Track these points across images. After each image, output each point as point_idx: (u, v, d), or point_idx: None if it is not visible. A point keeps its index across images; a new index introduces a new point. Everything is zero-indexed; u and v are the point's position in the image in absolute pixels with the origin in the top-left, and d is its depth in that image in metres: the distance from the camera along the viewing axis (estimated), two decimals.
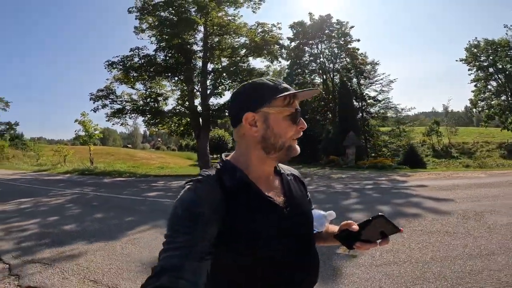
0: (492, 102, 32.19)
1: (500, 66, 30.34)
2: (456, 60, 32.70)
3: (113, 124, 16.61)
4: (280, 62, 17.03)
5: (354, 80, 26.58)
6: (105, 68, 14.40)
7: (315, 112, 25.33)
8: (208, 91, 16.26)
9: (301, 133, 0.75)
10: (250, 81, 0.76)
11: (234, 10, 16.68)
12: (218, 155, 33.25)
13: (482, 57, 30.60)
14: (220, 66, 16.60)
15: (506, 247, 3.37)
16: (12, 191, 9.37)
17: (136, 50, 14.72)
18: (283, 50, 16.73)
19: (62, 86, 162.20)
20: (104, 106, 14.96)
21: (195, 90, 16.33)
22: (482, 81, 31.93)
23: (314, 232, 0.85)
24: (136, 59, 14.73)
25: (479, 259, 3.05)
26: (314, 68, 26.10)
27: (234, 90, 0.81)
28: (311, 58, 25.58)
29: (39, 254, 3.75)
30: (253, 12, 16.66)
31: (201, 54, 16.18)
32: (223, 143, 28.44)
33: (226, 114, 17.11)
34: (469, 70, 32.13)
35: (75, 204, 7.28)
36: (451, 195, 6.54)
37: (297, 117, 0.74)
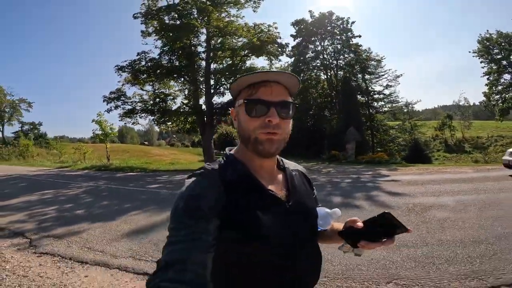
0: (507, 96, 31.07)
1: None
2: (469, 52, 31.83)
3: (125, 123, 17.94)
4: (280, 60, 17.63)
5: (360, 75, 26.66)
6: (115, 72, 15.64)
7: (320, 108, 25.71)
8: (212, 90, 17.19)
9: (271, 126, 0.69)
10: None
11: (237, 11, 17.45)
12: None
13: (495, 50, 29.62)
14: (222, 66, 17.46)
15: (421, 240, 3.61)
16: (36, 185, 10.72)
17: (142, 54, 15.85)
18: (284, 49, 17.28)
19: (85, 87, 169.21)
20: (116, 107, 16.26)
21: (199, 90, 17.32)
22: (495, 74, 30.92)
23: (319, 230, 0.84)
24: (143, 63, 15.85)
25: (387, 251, 3.23)
26: (317, 64, 26.43)
27: None
28: (314, 54, 25.89)
29: (53, 231, 4.77)
30: (254, 11, 17.36)
31: (204, 55, 17.09)
32: (231, 139, 29.42)
33: (229, 111, 18.05)
34: (481, 63, 31.23)
35: (88, 195, 8.42)
36: (412, 190, 6.90)
37: (251, 108, 0.70)
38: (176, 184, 10.06)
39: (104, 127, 21.06)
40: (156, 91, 17.45)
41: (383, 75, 26.79)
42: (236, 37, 16.12)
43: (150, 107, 17.10)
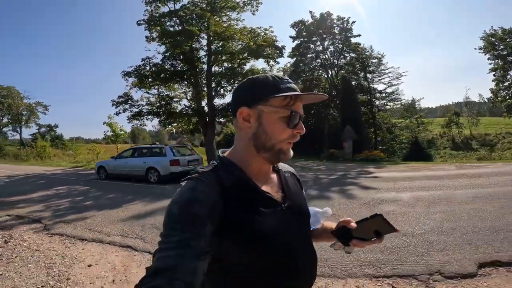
0: (510, 91, 30.53)
1: None
2: (475, 48, 31.44)
3: (132, 125, 19.08)
4: (278, 63, 18.26)
5: (362, 74, 26.92)
6: (122, 77, 16.77)
7: (321, 107, 26.16)
8: (213, 93, 18.08)
9: (298, 138, 0.73)
10: (254, 76, 0.75)
11: (237, 14, 18.22)
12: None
13: (500, 46, 29.15)
14: (222, 69, 18.32)
15: None
16: (52, 182, 11.90)
17: (147, 60, 16.91)
18: (281, 51, 17.92)
19: (100, 89, 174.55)
20: (124, 110, 17.41)
21: (201, 92, 18.25)
22: (501, 70, 30.43)
23: (311, 228, 0.86)
24: (147, 68, 16.90)
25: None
26: (318, 64, 26.87)
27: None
28: (315, 55, 26.34)
29: (63, 218, 5.72)
30: (253, 14, 18.09)
31: (206, 59, 17.99)
32: None
33: (230, 112, 18.93)
34: (488, 59, 30.82)
35: (96, 189, 9.46)
36: (382, 185, 7.40)
37: (293, 120, 0.71)
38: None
39: (115, 129, 22.37)
40: (161, 94, 18.50)
41: (385, 73, 26.96)
42: (235, 41, 16.89)
43: (156, 109, 18.17)
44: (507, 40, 28.41)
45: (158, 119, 18.45)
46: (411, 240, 3.63)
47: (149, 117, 18.19)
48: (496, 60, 29.92)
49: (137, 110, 17.58)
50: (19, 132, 41.99)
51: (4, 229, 4.92)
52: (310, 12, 24.86)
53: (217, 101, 18.64)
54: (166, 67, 17.16)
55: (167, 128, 19.96)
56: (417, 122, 34.17)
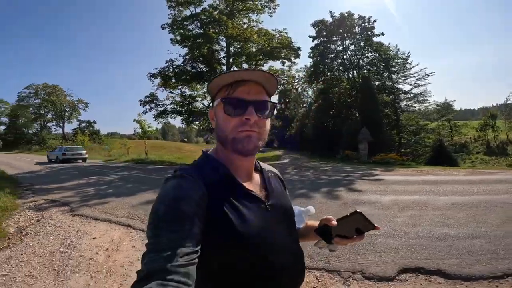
0: None
1: None
2: None
3: (158, 123, 20.66)
4: (295, 63, 18.58)
5: (385, 74, 26.22)
6: (148, 79, 18.30)
7: (341, 107, 25.91)
8: None
9: (250, 125, 0.69)
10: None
11: (256, 15, 18.88)
12: None
13: None
14: None
15: None
16: (86, 173, 13.55)
17: (170, 62, 18.28)
18: (297, 52, 18.25)
19: (136, 87, 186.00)
20: (150, 109, 18.96)
21: None
22: None
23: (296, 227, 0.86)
24: (171, 69, 18.23)
25: None
26: (338, 63, 26.59)
27: None
28: (335, 55, 26.12)
29: (87, 202, 6.84)
30: (270, 16, 18.69)
31: (225, 60, 18.92)
32: None
33: None
34: None
35: (120, 180, 10.73)
36: (373, 188, 7.40)
37: (228, 108, 0.70)
38: None
39: (143, 126, 24.24)
40: (184, 94, 19.81)
41: (410, 73, 26.00)
42: (252, 43, 17.58)
43: (179, 108, 19.52)
44: None
45: (181, 117, 19.80)
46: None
47: (172, 115, 19.60)
48: None
49: (161, 109, 19.07)
50: (62, 127, 46.64)
51: (39, 210, 6.09)
52: (330, 12, 24.76)
53: None
54: (188, 68, 18.38)
55: (189, 126, 21.18)
56: (449, 124, 32.40)
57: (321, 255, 3.29)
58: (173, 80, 18.18)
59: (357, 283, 2.79)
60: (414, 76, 26.24)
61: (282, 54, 17.58)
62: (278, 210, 0.78)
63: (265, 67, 18.86)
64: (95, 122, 47.82)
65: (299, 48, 17.57)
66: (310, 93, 33.96)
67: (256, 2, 18.06)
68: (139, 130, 24.96)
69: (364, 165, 14.83)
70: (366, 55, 25.62)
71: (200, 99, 20.71)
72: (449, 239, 3.69)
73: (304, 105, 36.66)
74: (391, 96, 25.84)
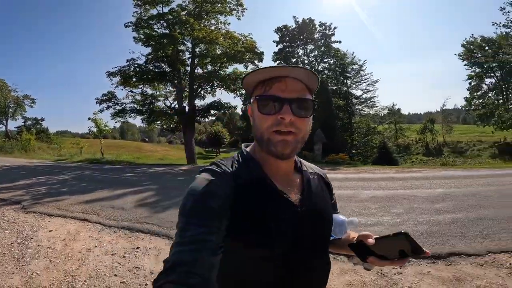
0: (484, 100, 32.45)
1: (494, 64, 30.39)
2: (455, 54, 33.01)
3: (116, 122, 20.01)
4: (258, 67, 19.27)
5: (341, 80, 28.45)
6: (107, 77, 17.73)
7: None
8: (195, 93, 19.17)
9: (286, 125, 0.66)
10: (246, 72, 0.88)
11: (225, 17, 19.26)
12: (215, 149, 36.34)
13: (478, 54, 30.64)
14: (205, 72, 19.43)
15: None
16: (34, 173, 12.80)
17: (131, 61, 17.91)
18: (261, 57, 19.03)
19: (91, 84, 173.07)
20: (108, 107, 18.33)
21: (183, 93, 19.31)
22: (477, 78, 32.19)
23: (332, 238, 0.82)
24: (131, 68, 17.87)
25: None
26: None
27: None
28: (296, 60, 27.68)
29: (40, 201, 6.77)
30: (238, 19, 19.20)
31: (189, 62, 19.03)
32: (220, 138, 31.38)
33: (211, 113, 20.13)
34: (465, 65, 32.53)
35: (74, 180, 10.46)
36: None
37: (263, 106, 0.67)
38: (144, 174, 12.03)
39: (99, 125, 23.20)
40: (145, 93, 19.49)
41: (362, 79, 28.58)
42: (217, 46, 17.98)
43: (139, 107, 19.14)
44: (486, 49, 29.96)
45: (141, 117, 19.43)
46: None
47: (132, 114, 19.14)
48: (473, 68, 31.63)
49: (120, 108, 18.52)
50: (5, 124, 42.09)
51: None
52: (294, 17, 26.17)
53: (198, 102, 19.77)
54: (150, 68, 18.17)
55: (151, 126, 20.83)
56: (395, 127, 36.09)
57: None
58: (134, 79, 17.81)
59: None
60: (365, 82, 28.96)
61: (247, 57, 18.22)
62: (311, 216, 0.73)
63: (230, 69, 19.36)
64: (43, 120, 43.86)
65: (262, 53, 18.38)
66: None
67: (225, 5, 18.48)
68: (95, 129, 23.87)
69: (317, 164, 15.84)
70: (325, 60, 27.53)
71: (162, 98, 20.55)
72: (359, 226, 4.64)
73: None
74: (345, 101, 28.13)
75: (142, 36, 18.28)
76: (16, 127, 42.50)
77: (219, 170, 0.68)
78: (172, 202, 6.35)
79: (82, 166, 16.15)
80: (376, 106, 29.68)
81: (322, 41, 26.89)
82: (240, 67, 18.80)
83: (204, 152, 38.91)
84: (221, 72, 18.64)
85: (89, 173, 12.46)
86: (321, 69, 28.05)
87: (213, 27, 18.95)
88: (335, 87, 28.05)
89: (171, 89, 20.01)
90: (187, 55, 19.01)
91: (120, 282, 2.96)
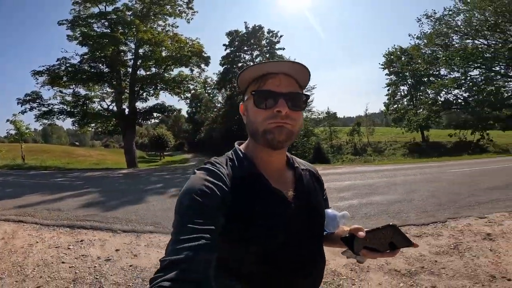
0: (397, 106, 38.43)
1: (407, 73, 36.02)
2: (378, 63, 38.21)
3: (40, 124, 18.12)
4: (204, 70, 19.69)
5: None
6: (32, 76, 16.04)
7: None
8: (136, 96, 18.61)
9: (282, 117, 0.68)
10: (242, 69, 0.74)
11: (174, 19, 18.99)
12: (158, 153, 35.13)
13: (396, 64, 35.09)
14: (148, 74, 19.01)
15: None
16: None
17: (63, 60, 16.54)
18: (207, 61, 19.40)
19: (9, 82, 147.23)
20: (31, 109, 16.54)
21: (123, 95, 18.55)
22: (393, 86, 37.93)
23: (325, 232, 0.83)
24: (63, 68, 16.52)
25: None
26: None
27: None
28: (242, 64, 28.74)
29: None
30: (187, 22, 19.17)
31: (131, 63, 18.39)
32: (163, 141, 30.57)
33: (154, 115, 19.77)
34: (385, 75, 37.92)
35: None
36: None
37: (259, 101, 0.70)
38: (76, 179, 11.44)
39: (20, 127, 20.60)
40: (77, 94, 18.13)
41: None
42: (163, 48, 17.81)
43: (70, 109, 17.71)
44: (402, 58, 34.61)
45: (72, 119, 18.00)
46: None
47: (60, 116, 17.62)
48: (391, 76, 37.06)
49: (46, 109, 16.89)
50: None
51: None
52: (245, 23, 27.07)
53: (140, 104, 19.21)
54: (85, 68, 17.02)
55: (83, 129, 19.38)
56: (329, 130, 40.14)
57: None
58: (65, 79, 16.43)
59: None
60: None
61: (194, 61, 18.40)
62: (305, 211, 0.75)
63: (175, 72, 19.25)
64: None
65: (209, 57, 18.80)
66: (220, 98, 35.82)
67: (175, 7, 18.34)
68: (14, 132, 21.09)
69: None
70: None
71: (98, 100, 19.32)
72: None
73: (214, 109, 38.22)
74: None
75: (78, 35, 17.11)
76: None
77: (214, 169, 0.69)
78: (121, 201, 6.50)
79: (2, 173, 14.30)
80: (312, 111, 32.67)
81: (268, 47, 28.47)
82: (186, 71, 18.92)
83: (147, 155, 37.16)
84: (165, 74, 18.51)
85: (13, 179, 11.28)
86: None
87: (160, 29, 18.68)
88: None
89: (109, 90, 18.99)
90: (130, 56, 18.40)
91: (69, 267, 3.30)
